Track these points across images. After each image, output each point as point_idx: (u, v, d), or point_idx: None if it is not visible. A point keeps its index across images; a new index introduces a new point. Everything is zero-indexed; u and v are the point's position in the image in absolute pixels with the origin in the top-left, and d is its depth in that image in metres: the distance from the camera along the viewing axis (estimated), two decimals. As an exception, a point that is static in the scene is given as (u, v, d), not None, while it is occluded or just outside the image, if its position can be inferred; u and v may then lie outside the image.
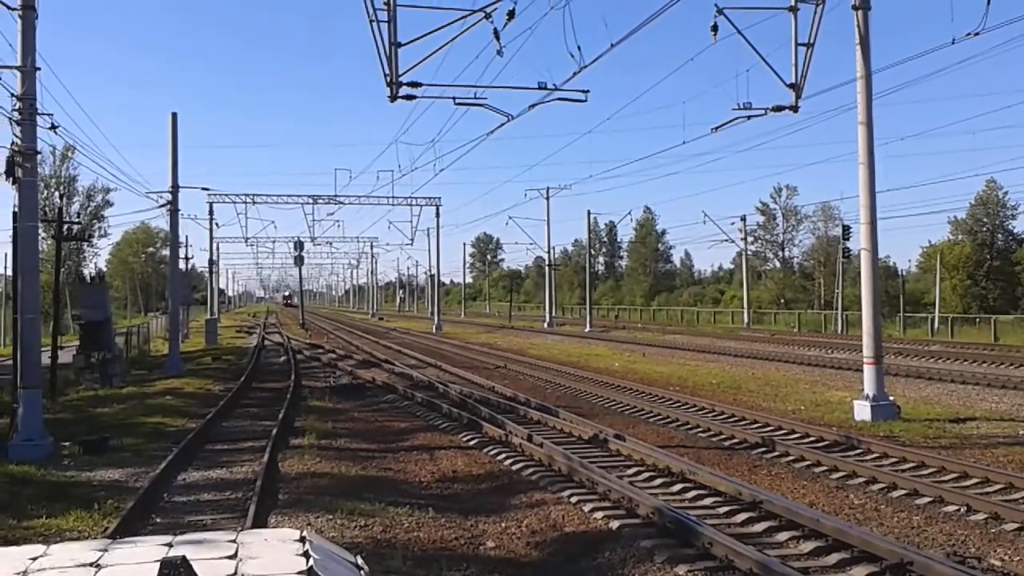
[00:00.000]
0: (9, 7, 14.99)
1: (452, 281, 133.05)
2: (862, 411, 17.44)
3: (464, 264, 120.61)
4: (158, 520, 10.30)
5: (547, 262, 67.81)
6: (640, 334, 52.41)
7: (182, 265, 53.83)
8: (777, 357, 32.38)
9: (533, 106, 21.42)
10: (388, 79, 18.84)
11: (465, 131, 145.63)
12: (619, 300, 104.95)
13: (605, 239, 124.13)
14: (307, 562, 2.91)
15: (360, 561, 3.30)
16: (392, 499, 11.09)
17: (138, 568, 2.85)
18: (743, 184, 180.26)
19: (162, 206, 33.15)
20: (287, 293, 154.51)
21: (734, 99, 20.69)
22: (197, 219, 62.89)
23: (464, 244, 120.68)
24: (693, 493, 11.10)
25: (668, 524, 9.23)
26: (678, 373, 27.46)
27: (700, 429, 16.53)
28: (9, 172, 15.03)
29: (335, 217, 63.64)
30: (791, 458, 13.55)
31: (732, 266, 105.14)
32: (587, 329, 57.44)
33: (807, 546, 8.75)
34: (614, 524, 9.73)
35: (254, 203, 55.75)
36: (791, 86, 19.66)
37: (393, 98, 19.14)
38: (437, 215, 60.34)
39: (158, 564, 2.61)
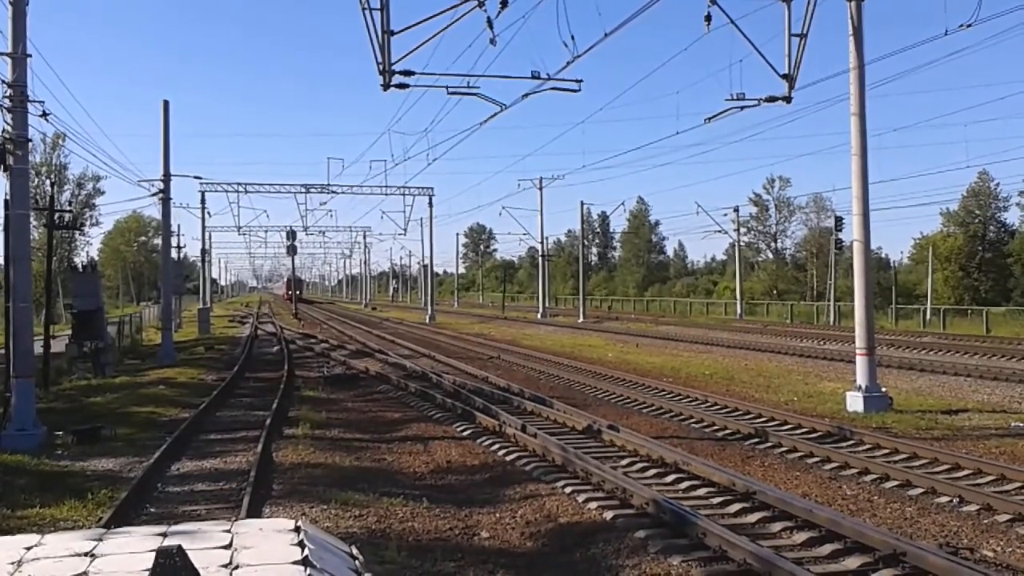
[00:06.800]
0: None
1: (445, 271, 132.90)
2: (854, 402, 17.51)
3: (457, 254, 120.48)
4: (152, 510, 10.27)
5: (541, 252, 67.80)
6: (633, 325, 52.48)
7: (174, 254, 53.62)
8: (770, 348, 32.48)
9: (526, 95, 21.33)
10: (381, 67, 18.75)
11: (458, 121, 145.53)
12: (612, 291, 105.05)
13: (598, 230, 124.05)
14: (302, 552, 2.90)
15: (355, 551, 3.30)
16: (386, 489, 11.09)
17: (133, 558, 2.83)
18: (736, 175, 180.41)
19: (154, 195, 33.01)
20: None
21: (727, 89, 20.63)
22: (189, 208, 62.55)
23: (457, 234, 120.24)
24: (687, 484, 11.13)
25: (662, 515, 9.25)
26: (671, 364, 27.51)
27: (693, 420, 16.56)
28: (0, 160, 14.96)
29: (328, 207, 63.21)
30: (784, 449, 13.61)
31: (725, 257, 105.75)
32: (580, 320, 57.49)
33: (800, 537, 8.79)
34: (608, 515, 9.75)
35: (246, 192, 55.67)
36: (784, 76, 19.64)
37: (386, 87, 19.07)
38: (430, 205, 60.40)
39: (153, 554, 2.59)
